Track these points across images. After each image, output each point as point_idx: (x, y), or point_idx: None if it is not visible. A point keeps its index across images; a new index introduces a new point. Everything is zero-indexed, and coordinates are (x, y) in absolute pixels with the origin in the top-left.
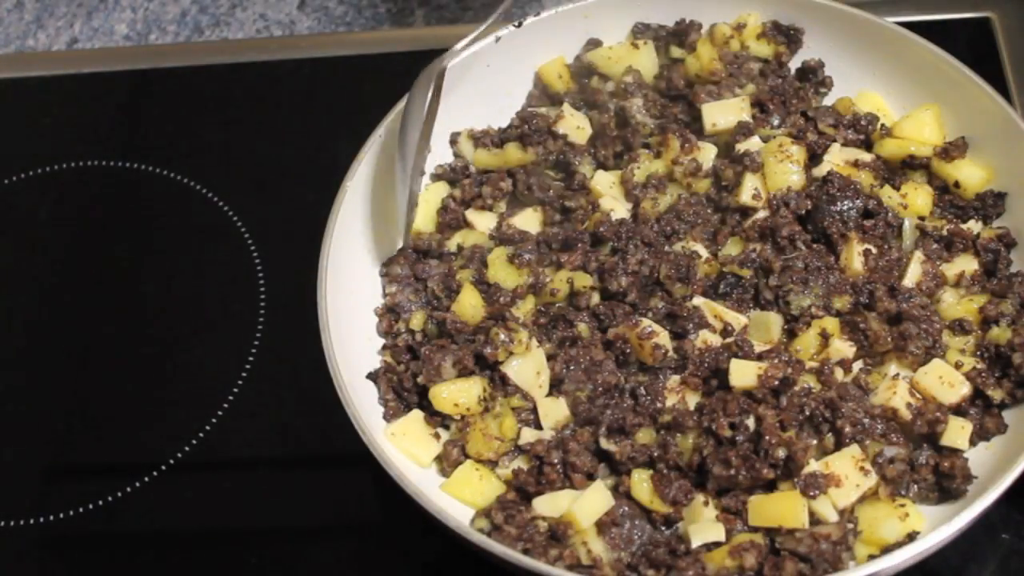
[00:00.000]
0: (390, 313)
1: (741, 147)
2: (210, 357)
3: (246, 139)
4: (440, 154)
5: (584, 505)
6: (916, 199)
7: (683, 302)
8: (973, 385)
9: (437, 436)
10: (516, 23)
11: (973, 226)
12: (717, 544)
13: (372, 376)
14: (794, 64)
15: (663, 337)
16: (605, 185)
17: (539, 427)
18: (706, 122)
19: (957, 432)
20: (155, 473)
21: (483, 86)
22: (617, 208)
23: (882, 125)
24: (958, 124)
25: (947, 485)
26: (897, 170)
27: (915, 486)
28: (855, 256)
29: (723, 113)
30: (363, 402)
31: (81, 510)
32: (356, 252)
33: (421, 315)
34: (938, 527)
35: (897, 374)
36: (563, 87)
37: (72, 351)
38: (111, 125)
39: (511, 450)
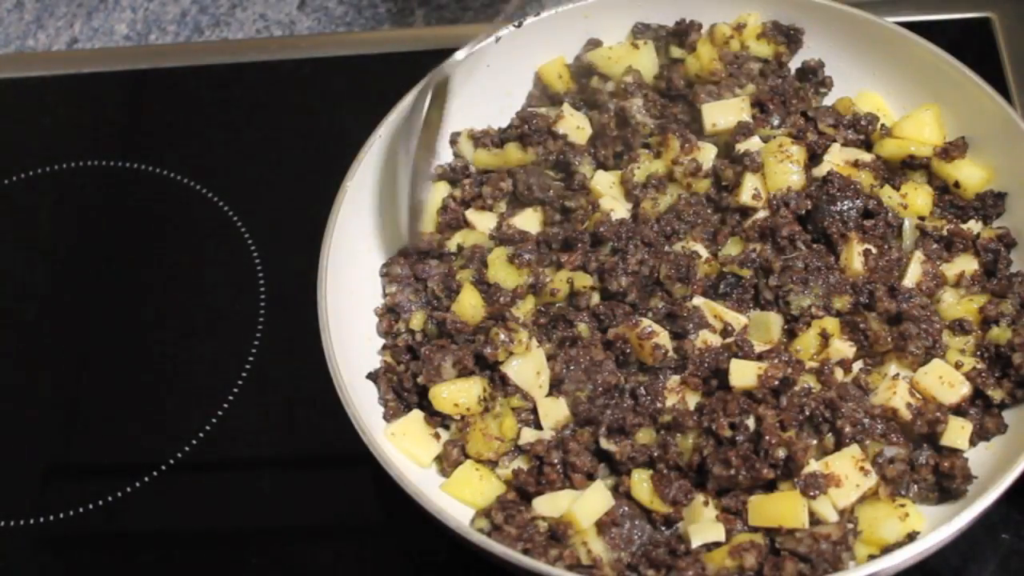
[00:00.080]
0: (390, 313)
1: (741, 147)
2: (210, 357)
3: (246, 139)
4: (440, 154)
5: (584, 505)
6: (916, 199)
7: (683, 302)
8: (973, 385)
9: (437, 436)
10: (516, 23)
11: (973, 226)
12: (717, 544)
13: (372, 376)
14: (794, 64)
15: (663, 337)
16: (605, 185)
17: (539, 427)
18: (706, 122)
19: (957, 432)
20: (155, 473)
21: (483, 86)
22: (617, 208)
23: (882, 125)
24: (958, 124)
25: (947, 485)
26: (897, 170)
27: (915, 486)
28: (855, 256)
29: (723, 113)
30: (363, 402)
31: (81, 510)
32: (356, 252)
33: (421, 315)
34: (938, 527)
35: (897, 374)
36: (563, 87)
37: (72, 351)
38: (111, 125)
39: (511, 450)
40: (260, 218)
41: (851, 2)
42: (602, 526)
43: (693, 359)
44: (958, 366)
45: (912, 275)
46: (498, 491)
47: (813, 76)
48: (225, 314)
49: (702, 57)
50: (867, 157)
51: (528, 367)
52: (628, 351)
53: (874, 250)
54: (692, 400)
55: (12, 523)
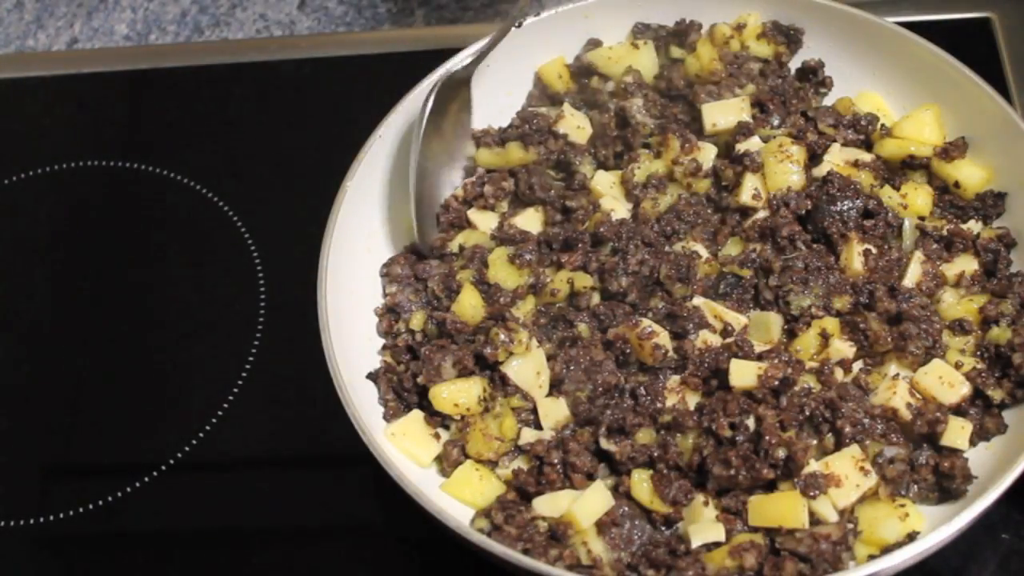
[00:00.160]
0: (390, 313)
1: (741, 147)
2: (210, 357)
3: (246, 139)
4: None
5: (584, 505)
6: (916, 199)
7: (683, 302)
8: (973, 385)
9: (437, 436)
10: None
11: (973, 226)
12: (717, 544)
13: (372, 376)
14: (794, 64)
15: (663, 337)
16: (605, 185)
17: (539, 427)
18: (706, 122)
19: (957, 432)
20: (155, 473)
21: (483, 86)
22: (617, 208)
23: (882, 125)
24: (958, 124)
25: (947, 485)
26: (897, 170)
27: (915, 486)
28: (855, 256)
29: (723, 113)
30: (363, 402)
31: (81, 510)
32: (356, 252)
33: (421, 315)
34: (938, 527)
35: (897, 374)
36: (563, 87)
37: (72, 351)
38: (111, 125)
39: (511, 450)
40: (260, 218)
41: (851, 2)
42: (602, 526)
43: (693, 359)
44: (958, 366)
45: (912, 275)
46: (498, 491)
47: (813, 76)
48: (225, 314)
49: (702, 57)
50: (867, 157)
51: (528, 367)
52: (628, 351)
53: (874, 250)
54: (692, 400)
55: (12, 523)
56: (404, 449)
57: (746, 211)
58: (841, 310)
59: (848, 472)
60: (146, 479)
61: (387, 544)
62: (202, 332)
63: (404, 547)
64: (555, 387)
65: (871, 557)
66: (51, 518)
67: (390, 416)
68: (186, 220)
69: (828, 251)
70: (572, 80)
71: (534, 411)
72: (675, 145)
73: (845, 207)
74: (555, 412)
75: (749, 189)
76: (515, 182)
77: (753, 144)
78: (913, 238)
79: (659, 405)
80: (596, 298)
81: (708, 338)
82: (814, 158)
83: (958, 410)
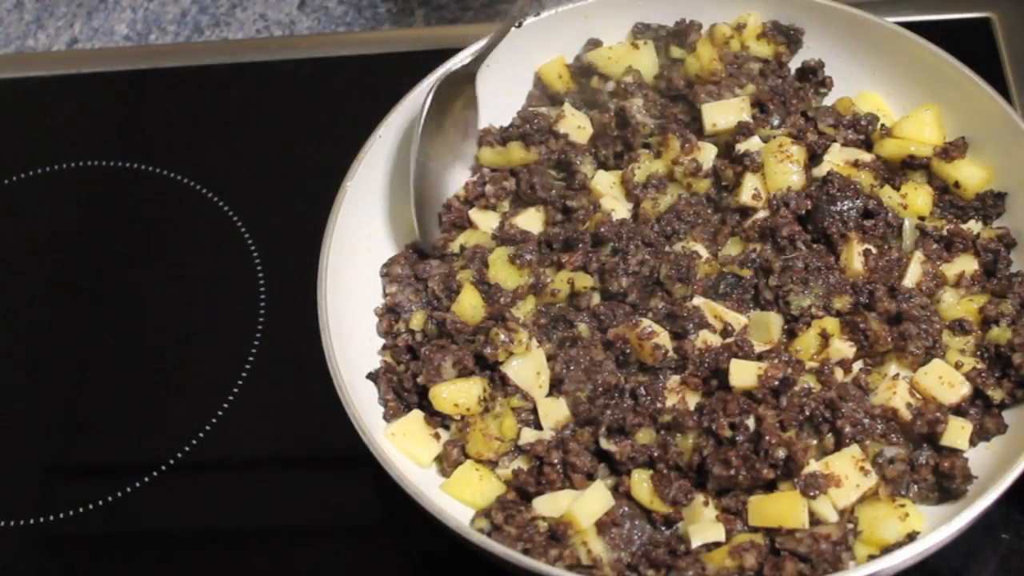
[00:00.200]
0: (390, 313)
1: (741, 147)
2: (210, 357)
3: (246, 139)
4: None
5: (584, 505)
6: (916, 199)
7: (683, 302)
8: (973, 385)
9: (437, 436)
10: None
11: (973, 226)
12: (717, 544)
13: (372, 376)
14: (794, 64)
15: (663, 337)
16: (606, 185)
17: (539, 427)
18: (706, 122)
19: (957, 432)
20: (155, 473)
21: (484, 86)
22: (618, 208)
23: (882, 125)
24: (958, 124)
25: (947, 485)
26: (897, 170)
27: (915, 486)
28: (855, 256)
29: (723, 113)
30: (363, 402)
31: (81, 510)
32: (356, 252)
33: (421, 315)
34: (938, 527)
35: (897, 374)
36: (563, 87)
37: (72, 351)
38: (111, 125)
39: (511, 450)
40: (260, 218)
41: (851, 2)
42: (602, 526)
43: (693, 359)
44: (958, 366)
45: (912, 275)
46: (498, 491)
47: (813, 76)
48: (225, 314)
49: (702, 57)
50: (867, 157)
51: (528, 367)
52: (628, 351)
53: (874, 250)
54: (692, 400)
55: (12, 523)
56: (404, 449)
57: (746, 211)
58: (841, 310)
59: (848, 472)
60: (146, 479)
61: (387, 544)
62: (202, 332)
63: (404, 547)
64: (555, 387)
65: (871, 557)
66: (51, 518)
67: (390, 416)
68: (186, 220)
69: (828, 251)
70: (572, 80)
71: (534, 411)
72: (675, 145)
73: (845, 207)
74: (555, 412)
75: (749, 189)
76: (516, 182)
77: (753, 144)
78: (913, 238)
79: (659, 405)
80: (596, 298)
81: (708, 338)
82: (814, 158)
83: (958, 410)
